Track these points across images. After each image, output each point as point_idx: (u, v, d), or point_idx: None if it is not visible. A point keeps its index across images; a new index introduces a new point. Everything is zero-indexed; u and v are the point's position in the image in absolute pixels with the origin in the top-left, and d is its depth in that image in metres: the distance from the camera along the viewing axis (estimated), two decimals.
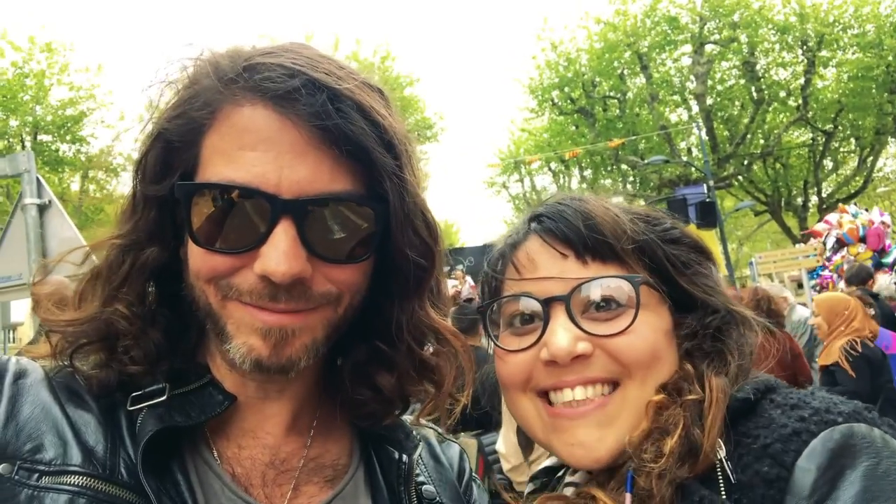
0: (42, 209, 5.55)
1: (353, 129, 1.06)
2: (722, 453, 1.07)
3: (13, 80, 28.93)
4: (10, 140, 29.06)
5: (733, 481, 1.04)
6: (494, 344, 1.34)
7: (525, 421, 1.30)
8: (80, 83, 30.62)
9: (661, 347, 1.22)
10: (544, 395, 1.25)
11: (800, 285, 18.94)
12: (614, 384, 1.21)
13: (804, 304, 12.48)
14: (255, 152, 1.05)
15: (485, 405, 1.45)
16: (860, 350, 6.55)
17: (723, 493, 1.04)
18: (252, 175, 1.05)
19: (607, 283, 1.22)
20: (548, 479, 1.45)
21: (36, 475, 1.00)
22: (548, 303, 1.23)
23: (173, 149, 1.13)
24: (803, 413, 1.06)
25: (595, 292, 1.22)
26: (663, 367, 1.21)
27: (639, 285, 1.22)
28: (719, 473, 1.06)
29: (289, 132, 1.06)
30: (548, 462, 1.47)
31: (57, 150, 30.64)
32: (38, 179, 5.67)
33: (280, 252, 1.04)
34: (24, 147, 28.33)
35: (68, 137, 30.93)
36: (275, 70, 1.06)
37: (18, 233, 5.60)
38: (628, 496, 1.10)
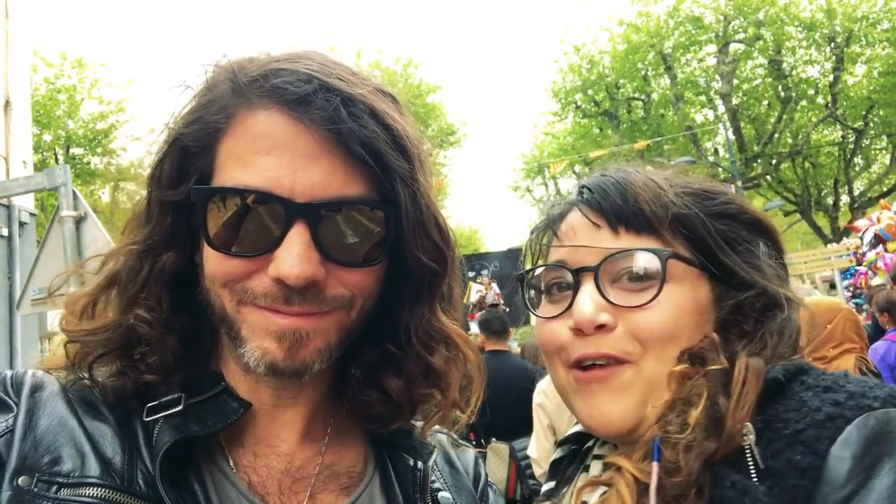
0: (78, 221, 5.67)
1: (366, 133, 1.06)
2: (752, 438, 1.03)
3: (46, 95, 29.65)
4: (44, 154, 29.74)
5: (762, 467, 1.00)
6: (531, 311, 1.38)
7: (558, 385, 1.33)
8: (109, 97, 31.31)
9: (682, 325, 1.20)
10: (574, 366, 1.27)
11: (832, 286, 18.59)
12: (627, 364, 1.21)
13: None
14: (269, 157, 1.06)
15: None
16: (876, 370, 5.58)
17: (754, 478, 1.00)
18: (266, 179, 1.06)
19: (634, 255, 1.22)
20: (577, 446, 1.45)
21: (55, 487, 1.01)
22: (578, 272, 1.25)
23: (189, 154, 1.14)
24: (837, 397, 1.00)
25: (623, 264, 1.23)
26: (681, 344, 1.19)
27: (666, 259, 1.21)
28: (749, 458, 1.02)
29: (303, 137, 1.06)
30: (578, 427, 1.45)
31: (88, 164, 31.29)
32: (73, 192, 5.79)
33: (294, 255, 1.05)
34: (57, 161, 28.98)
35: (99, 150, 31.55)
36: (290, 76, 1.07)
37: (56, 245, 5.72)
38: (655, 465, 1.06)
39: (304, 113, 1.06)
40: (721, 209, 1.30)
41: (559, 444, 1.48)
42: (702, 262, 1.24)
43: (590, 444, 1.42)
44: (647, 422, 1.16)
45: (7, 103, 9.97)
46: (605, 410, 1.20)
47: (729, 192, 1.35)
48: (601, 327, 1.20)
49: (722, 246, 1.25)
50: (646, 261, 1.22)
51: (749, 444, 1.03)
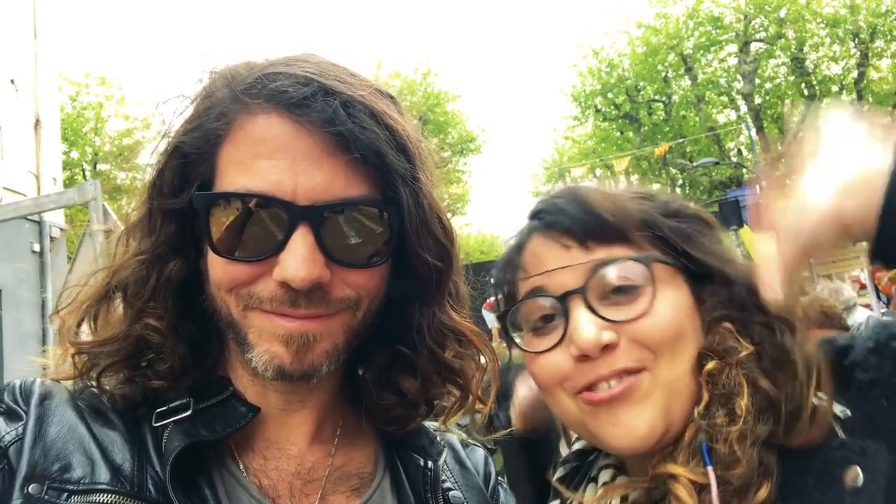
0: (108, 235, 5.76)
1: (366, 134, 1.06)
2: (840, 412, 1.07)
3: (73, 113, 30.25)
4: (72, 170, 30.31)
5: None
6: (518, 348, 1.31)
7: (566, 416, 1.27)
8: (135, 114, 31.87)
9: (684, 324, 1.18)
10: (583, 390, 1.22)
11: (862, 286, 18.22)
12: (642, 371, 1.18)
13: (868, 306, 11.89)
14: (270, 160, 1.07)
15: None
16: None
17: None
18: (268, 183, 1.06)
19: (618, 266, 1.18)
20: (578, 463, 1.42)
21: (65, 494, 1.01)
22: (564, 297, 1.20)
23: (190, 161, 1.14)
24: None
25: (609, 278, 1.18)
26: (690, 342, 1.18)
27: (650, 263, 1.18)
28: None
29: (303, 139, 1.06)
30: (578, 445, 1.43)
31: (115, 179, 31.77)
32: (104, 207, 5.91)
33: (298, 258, 1.05)
34: (84, 177, 29.55)
35: (125, 166, 32.03)
36: (288, 79, 1.07)
37: (87, 258, 5.83)
38: (710, 470, 1.05)
39: (304, 115, 1.06)
40: (667, 208, 1.28)
41: (561, 462, 1.45)
42: (677, 260, 1.22)
43: (592, 457, 1.40)
44: (674, 429, 1.15)
45: (37, 122, 10.20)
46: (631, 425, 1.15)
47: (661, 191, 1.34)
48: (606, 347, 1.16)
49: (688, 242, 1.24)
50: (630, 270, 1.18)
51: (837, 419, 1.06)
